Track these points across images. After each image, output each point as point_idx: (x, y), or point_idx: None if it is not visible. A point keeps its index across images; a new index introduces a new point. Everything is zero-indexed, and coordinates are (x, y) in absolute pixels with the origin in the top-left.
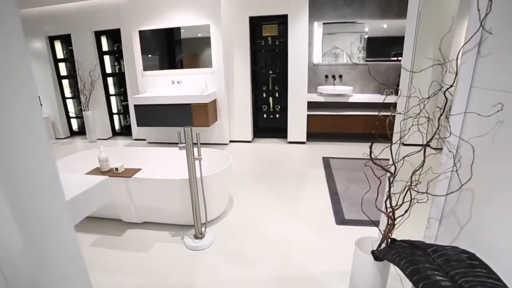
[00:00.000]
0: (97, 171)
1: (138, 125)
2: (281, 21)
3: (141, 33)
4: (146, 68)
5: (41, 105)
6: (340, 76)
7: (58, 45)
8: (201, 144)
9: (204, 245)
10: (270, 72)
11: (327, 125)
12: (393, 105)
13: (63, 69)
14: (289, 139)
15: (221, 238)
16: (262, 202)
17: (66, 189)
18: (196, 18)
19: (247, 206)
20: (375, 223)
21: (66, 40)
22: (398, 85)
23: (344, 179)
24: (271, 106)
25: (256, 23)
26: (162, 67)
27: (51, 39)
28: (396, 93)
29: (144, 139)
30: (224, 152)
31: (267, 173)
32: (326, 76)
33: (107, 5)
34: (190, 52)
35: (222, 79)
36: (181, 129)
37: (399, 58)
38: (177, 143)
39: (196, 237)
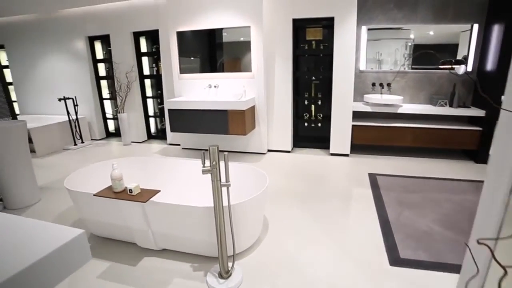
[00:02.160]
0: (109, 191)
1: (172, 130)
2: (327, 24)
3: (179, 34)
4: (183, 70)
5: (77, 105)
6: (389, 85)
7: (98, 46)
8: (237, 152)
9: None
10: (313, 78)
11: (373, 137)
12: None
13: (102, 69)
14: (331, 150)
15: (251, 277)
16: (300, 228)
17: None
18: (236, 19)
19: (283, 234)
20: (446, 267)
21: (106, 40)
22: (453, 95)
23: (395, 202)
24: (313, 114)
25: (299, 26)
26: (199, 70)
27: (91, 40)
28: (450, 105)
29: (179, 144)
30: (260, 170)
31: (307, 190)
32: (373, 84)
33: (147, 5)
34: (229, 55)
35: (262, 84)
36: (211, 138)
37: (453, 67)
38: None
39: (221, 276)
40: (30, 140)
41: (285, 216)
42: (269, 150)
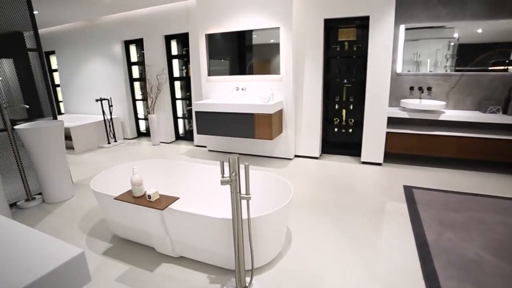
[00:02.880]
0: (129, 195)
1: (198, 132)
2: (361, 24)
3: (208, 36)
4: (211, 73)
5: (112, 106)
6: (429, 89)
7: (133, 49)
8: (262, 156)
9: None
10: (345, 81)
11: (410, 146)
12: None
13: (135, 72)
14: (362, 158)
15: None
16: (326, 244)
17: None
18: (265, 20)
19: (307, 249)
20: None
21: (140, 44)
22: (508, 101)
23: (434, 221)
24: (344, 119)
25: (331, 27)
26: (227, 72)
27: (127, 43)
28: (504, 111)
29: (205, 146)
30: (284, 180)
31: (335, 201)
32: (411, 88)
33: (178, 9)
34: (257, 58)
35: (291, 88)
36: (238, 141)
37: (508, 68)
38: (239, 154)
39: None
40: (69, 138)
41: (310, 229)
42: (296, 156)
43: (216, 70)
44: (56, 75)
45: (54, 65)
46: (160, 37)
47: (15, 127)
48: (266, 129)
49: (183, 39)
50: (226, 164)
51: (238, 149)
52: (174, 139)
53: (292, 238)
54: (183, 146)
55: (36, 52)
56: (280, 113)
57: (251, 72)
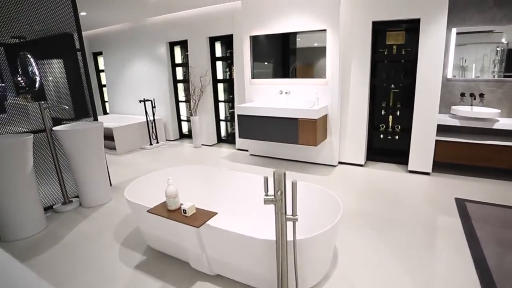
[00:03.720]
0: (163, 208)
1: (240, 136)
2: (410, 26)
3: (253, 38)
4: (254, 75)
5: (155, 107)
6: (481, 95)
7: (177, 51)
8: (305, 162)
9: None
10: (392, 86)
11: (461, 155)
12: None
13: (179, 73)
14: (410, 167)
15: None
16: (375, 264)
17: None
18: (311, 22)
19: (355, 270)
20: None
21: (184, 45)
22: None
23: (494, 241)
24: (390, 125)
25: (379, 29)
26: (271, 75)
27: (172, 45)
28: None
29: (247, 150)
30: (331, 193)
31: (382, 214)
32: (462, 95)
33: (222, 11)
34: (302, 61)
35: (336, 92)
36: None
37: None
38: (281, 159)
39: None
40: (112, 138)
41: (357, 246)
42: (340, 163)
43: (260, 72)
44: (103, 76)
45: (101, 66)
46: (204, 39)
47: (54, 128)
48: (311, 134)
49: (227, 41)
50: (269, 177)
51: (280, 154)
52: (216, 141)
53: (338, 256)
54: (225, 149)
55: (79, 53)
56: (324, 118)
57: (294, 76)
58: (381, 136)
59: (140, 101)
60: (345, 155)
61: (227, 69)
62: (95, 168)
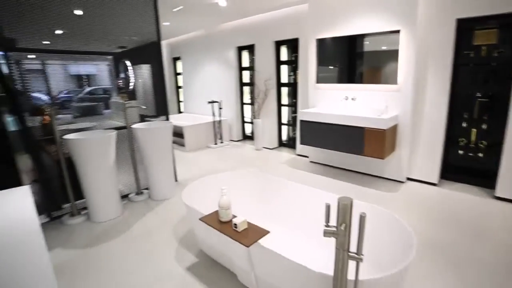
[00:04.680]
0: (215, 218)
1: (301, 142)
2: (505, 23)
3: (319, 42)
4: (319, 80)
5: (221, 108)
6: None
7: (245, 55)
8: (369, 175)
9: None
10: (478, 94)
11: None
12: None
13: (246, 77)
14: (497, 192)
15: None
16: None
17: None
18: (383, 23)
19: None
20: None
21: (251, 50)
22: None
23: None
24: (473, 140)
25: (464, 28)
26: (336, 80)
27: (240, 49)
28: None
29: (307, 157)
30: (401, 222)
31: (463, 249)
32: None
33: (289, 14)
34: (370, 65)
35: (409, 100)
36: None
37: None
38: (343, 169)
39: None
40: (182, 136)
41: (427, 285)
42: (409, 179)
43: (325, 77)
44: (180, 78)
45: (179, 69)
46: (270, 43)
47: (132, 126)
48: (378, 146)
49: (293, 45)
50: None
51: (342, 164)
52: (277, 145)
53: None
54: (285, 153)
55: (160, 59)
56: (394, 128)
57: (361, 81)
58: (461, 152)
59: (209, 102)
60: (415, 171)
61: (292, 73)
62: (163, 164)
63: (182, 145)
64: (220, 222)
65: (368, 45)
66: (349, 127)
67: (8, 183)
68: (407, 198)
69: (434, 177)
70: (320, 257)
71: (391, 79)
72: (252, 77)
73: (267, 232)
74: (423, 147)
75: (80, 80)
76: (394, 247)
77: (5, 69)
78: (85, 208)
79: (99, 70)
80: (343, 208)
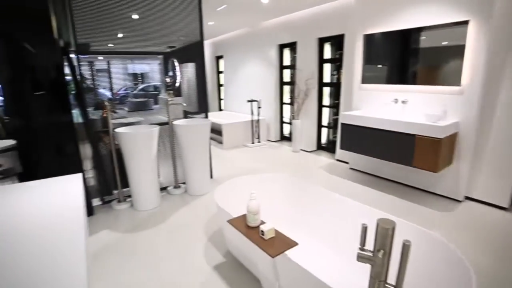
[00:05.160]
0: (242, 222)
1: (341, 147)
2: None
3: (367, 38)
4: (365, 80)
5: (260, 107)
6: None
7: (286, 53)
8: (418, 189)
9: None
10: None
11: None
12: None
13: (286, 75)
14: None
15: None
16: None
17: None
18: (447, 13)
19: None
20: None
21: (293, 48)
22: None
23: None
24: None
25: None
26: (384, 80)
27: (281, 47)
28: None
29: (347, 163)
30: (460, 257)
31: None
32: None
33: (334, 9)
34: (428, 63)
35: (475, 104)
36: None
37: None
38: (387, 179)
39: None
40: (221, 133)
41: None
42: (468, 198)
43: (372, 77)
44: (221, 76)
45: (221, 68)
46: (313, 40)
47: (173, 122)
48: (431, 157)
49: (337, 42)
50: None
51: (386, 174)
52: (315, 148)
53: None
54: (323, 158)
55: (202, 58)
56: (452, 137)
57: (414, 81)
58: None
59: (248, 101)
60: (477, 189)
61: (335, 72)
62: (199, 161)
63: (220, 142)
64: (247, 227)
65: (425, 41)
66: (398, 134)
67: (72, 169)
68: (465, 222)
69: (504, 199)
70: (352, 279)
71: (453, 80)
72: (292, 76)
73: (295, 244)
74: (489, 162)
75: (136, 78)
76: (446, 284)
77: (77, 70)
78: (129, 196)
79: (151, 69)
80: (383, 233)
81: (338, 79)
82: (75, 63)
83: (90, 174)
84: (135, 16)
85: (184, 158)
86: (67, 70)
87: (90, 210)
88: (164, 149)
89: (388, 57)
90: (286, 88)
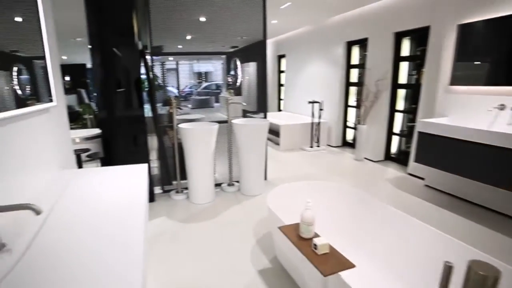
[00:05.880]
0: (294, 231)
1: (416, 159)
2: None
3: (462, 28)
4: (456, 80)
5: (322, 109)
6: None
7: (355, 51)
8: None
9: None
10: None
11: None
12: None
13: (354, 75)
14: None
15: None
16: None
17: None
18: None
19: None
20: None
21: (364, 45)
22: None
23: None
24: None
25: None
26: (481, 81)
27: (350, 45)
28: None
29: (422, 178)
30: None
31: None
32: None
33: None
34: None
35: None
36: None
37: None
38: (474, 204)
39: None
40: (278, 134)
41: None
42: None
43: (465, 76)
44: (282, 76)
45: (283, 67)
46: (389, 35)
47: (232, 120)
48: None
49: (418, 36)
50: None
51: (474, 197)
52: (382, 158)
53: None
54: (392, 170)
55: (264, 57)
56: None
57: None
58: None
59: (309, 102)
60: None
61: (414, 72)
62: (255, 161)
63: (277, 143)
64: (299, 237)
65: None
66: (499, 149)
67: (141, 158)
68: None
69: None
70: None
71: None
72: (361, 76)
73: (352, 265)
74: None
75: (200, 77)
76: None
77: (151, 70)
78: (186, 188)
79: (214, 68)
80: (479, 282)
81: (418, 80)
82: (150, 63)
83: (155, 164)
84: (202, 19)
85: (240, 157)
86: (142, 70)
87: (151, 197)
88: (222, 146)
89: (492, 51)
90: (353, 90)
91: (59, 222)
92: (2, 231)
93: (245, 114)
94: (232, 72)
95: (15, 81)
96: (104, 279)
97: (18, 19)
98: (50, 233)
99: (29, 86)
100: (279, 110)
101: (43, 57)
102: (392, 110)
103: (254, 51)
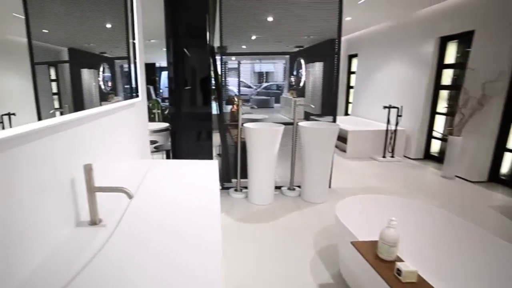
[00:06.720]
0: (372, 250)
1: None
2: None
3: None
4: None
5: (400, 116)
6: None
7: (451, 47)
8: None
9: None
10: None
11: None
12: None
13: (446, 77)
14: None
15: None
16: None
17: None
18: None
19: None
20: None
21: (465, 40)
22: None
23: None
24: None
25: None
26: None
27: (444, 40)
28: None
29: None
30: None
31: None
32: None
33: None
34: None
35: None
36: None
37: None
38: None
39: None
40: (345, 141)
41: None
42: None
43: None
44: (352, 77)
45: (353, 68)
46: (506, 27)
47: (299, 123)
48: None
49: None
50: None
51: None
52: (484, 178)
53: None
54: (500, 195)
55: (335, 56)
56: None
57: None
58: None
59: (385, 107)
60: None
61: None
62: (320, 167)
63: (343, 150)
64: (377, 258)
65: None
66: None
67: (205, 153)
68: None
69: None
70: None
71: None
72: (457, 78)
73: None
74: None
75: (260, 76)
76: None
77: (219, 69)
78: (245, 187)
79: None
80: None
81: None
82: (218, 63)
83: (216, 160)
84: (270, 19)
85: (304, 161)
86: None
87: None
88: (284, 149)
89: None
90: (443, 94)
91: (140, 205)
92: (100, 208)
93: (307, 116)
94: (295, 73)
95: (100, 78)
96: (183, 256)
97: (108, 25)
98: (135, 214)
99: (110, 83)
100: (346, 114)
101: (125, 58)
102: (507, 120)
103: (322, 51)
